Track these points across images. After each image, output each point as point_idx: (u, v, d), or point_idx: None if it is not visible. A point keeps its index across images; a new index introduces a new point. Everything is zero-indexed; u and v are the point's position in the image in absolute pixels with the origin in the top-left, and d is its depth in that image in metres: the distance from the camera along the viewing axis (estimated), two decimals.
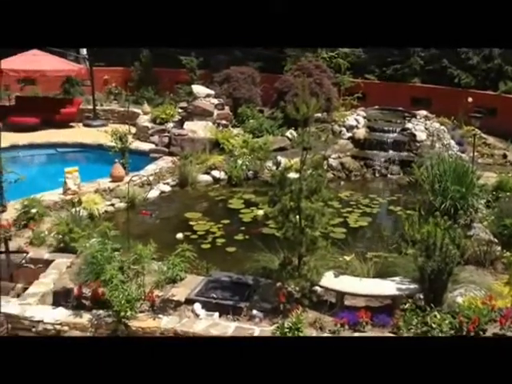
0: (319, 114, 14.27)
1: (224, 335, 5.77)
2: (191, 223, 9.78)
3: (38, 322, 5.92)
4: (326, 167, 12.04)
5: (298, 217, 6.39)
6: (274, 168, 12.35)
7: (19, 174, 9.40)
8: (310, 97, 6.46)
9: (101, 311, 6.09)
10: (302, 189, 6.37)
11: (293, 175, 6.70)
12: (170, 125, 14.71)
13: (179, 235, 9.01)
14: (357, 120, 14.89)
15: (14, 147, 14.33)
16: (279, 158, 12.71)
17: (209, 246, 8.84)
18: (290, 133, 13.94)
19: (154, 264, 7.01)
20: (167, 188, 11.67)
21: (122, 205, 10.27)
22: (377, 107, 16.42)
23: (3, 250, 7.49)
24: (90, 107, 17.78)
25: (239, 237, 9.22)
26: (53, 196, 9.98)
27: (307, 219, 6.41)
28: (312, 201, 6.45)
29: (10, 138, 15.01)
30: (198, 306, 6.32)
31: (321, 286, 6.62)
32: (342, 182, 12.92)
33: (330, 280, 6.59)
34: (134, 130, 15.35)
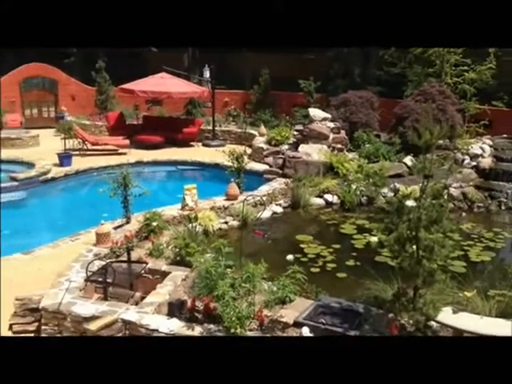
0: (441, 141, 13.67)
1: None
2: (302, 246, 9.74)
3: (153, 330, 6.15)
4: (446, 197, 11.47)
5: (415, 247, 6.09)
6: (391, 194, 12.00)
7: (143, 189, 9.99)
8: (432, 123, 6.21)
9: (212, 326, 6.20)
10: (421, 218, 6.07)
11: (410, 203, 6.43)
12: (285, 147, 14.90)
13: (289, 257, 9.00)
14: (482, 148, 14.04)
15: (139, 163, 15.35)
16: (396, 184, 12.33)
17: (318, 269, 8.73)
18: (410, 159, 13.49)
19: (265, 283, 7.04)
20: (279, 209, 11.77)
21: (235, 223, 10.51)
22: (505, 136, 15.41)
23: (126, 259, 7.96)
24: (210, 128, 18.58)
25: (350, 262, 9.02)
26: (172, 211, 10.46)
27: (425, 250, 6.09)
28: (431, 231, 6.14)
29: (136, 155, 16.16)
30: (306, 330, 6.22)
31: (437, 322, 6.23)
32: (464, 214, 12.19)
33: (447, 316, 6.18)
34: (249, 150, 15.76)
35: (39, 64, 20.68)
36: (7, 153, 15.84)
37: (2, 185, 12.94)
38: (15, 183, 13.11)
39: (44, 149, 16.51)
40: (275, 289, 6.80)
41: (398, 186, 12.22)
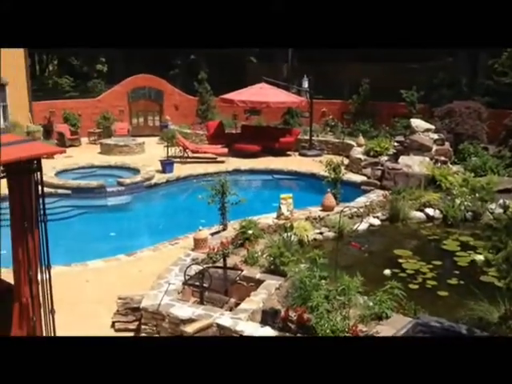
0: None
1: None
2: (400, 260, 9.39)
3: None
4: None
5: None
6: (499, 211, 11.27)
7: (240, 197, 10.15)
8: None
9: None
10: None
11: None
12: (384, 158, 14.52)
13: (387, 271, 8.71)
14: None
15: (236, 171, 15.65)
16: (506, 200, 11.56)
17: (417, 286, 8.36)
18: None
19: (360, 297, 6.86)
20: (377, 222, 11.45)
21: (331, 234, 10.37)
22: None
23: (222, 265, 8.10)
24: (307, 137, 18.56)
25: (453, 281, 8.55)
26: (267, 219, 10.52)
27: None
28: None
29: (234, 163, 16.50)
30: None
31: None
32: None
33: None
34: (347, 161, 15.54)
35: (147, 75, 21.85)
36: (115, 159, 16.87)
37: (110, 189, 13.76)
38: (122, 188, 13.89)
39: (148, 156, 17.35)
40: (371, 304, 6.61)
41: (507, 202, 11.45)
